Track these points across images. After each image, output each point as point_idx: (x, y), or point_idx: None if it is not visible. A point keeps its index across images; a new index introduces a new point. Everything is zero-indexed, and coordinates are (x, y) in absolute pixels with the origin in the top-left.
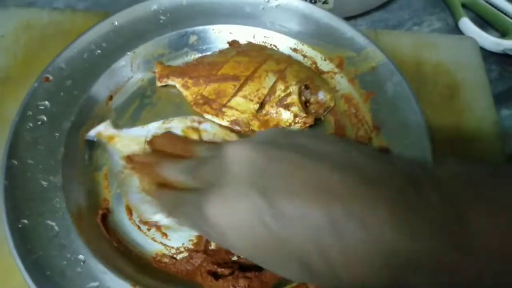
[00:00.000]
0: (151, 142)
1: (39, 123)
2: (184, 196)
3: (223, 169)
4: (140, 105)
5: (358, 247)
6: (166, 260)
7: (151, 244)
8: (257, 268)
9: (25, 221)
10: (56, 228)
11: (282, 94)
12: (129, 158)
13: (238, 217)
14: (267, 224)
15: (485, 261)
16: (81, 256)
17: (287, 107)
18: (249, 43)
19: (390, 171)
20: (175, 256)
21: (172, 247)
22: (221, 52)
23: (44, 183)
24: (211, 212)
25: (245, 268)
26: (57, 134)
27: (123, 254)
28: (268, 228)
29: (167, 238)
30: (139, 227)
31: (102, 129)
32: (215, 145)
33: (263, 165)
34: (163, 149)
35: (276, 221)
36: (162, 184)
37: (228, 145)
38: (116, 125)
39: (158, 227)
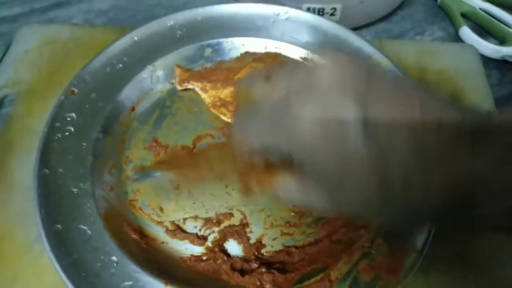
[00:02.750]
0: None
1: (67, 133)
2: (263, 106)
3: (313, 78)
4: (160, 114)
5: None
6: (193, 260)
7: (179, 245)
8: (280, 263)
9: (59, 226)
10: (89, 232)
11: None
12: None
13: (333, 121)
14: (358, 132)
15: None
16: (114, 258)
17: None
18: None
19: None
20: (202, 257)
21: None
22: (238, 58)
23: (75, 190)
24: (305, 112)
25: (267, 264)
26: (85, 144)
27: (153, 255)
28: (359, 137)
29: (193, 243)
30: (167, 229)
31: None
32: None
33: (357, 77)
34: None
35: (367, 131)
36: None
37: (316, 69)
38: None
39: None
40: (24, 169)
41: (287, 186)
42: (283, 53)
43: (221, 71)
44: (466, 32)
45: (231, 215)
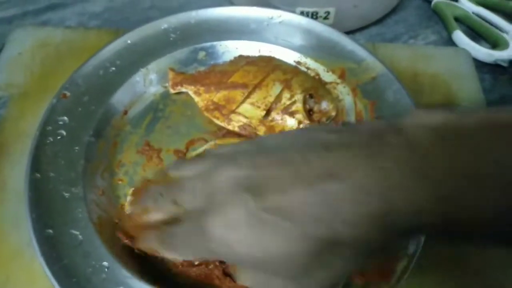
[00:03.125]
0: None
1: (59, 137)
2: (171, 229)
3: (210, 191)
4: (153, 118)
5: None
6: (185, 265)
7: None
8: None
9: (50, 230)
10: (80, 236)
11: (288, 102)
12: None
13: (238, 224)
14: (265, 219)
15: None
16: (105, 263)
17: (292, 114)
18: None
19: (354, 135)
20: (194, 262)
21: None
22: (232, 61)
23: (66, 195)
24: (213, 229)
25: None
26: (77, 148)
27: (145, 260)
28: (266, 223)
29: None
30: None
31: None
32: (178, 162)
33: (248, 177)
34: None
35: (271, 213)
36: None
37: (211, 171)
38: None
39: None
40: (17, 172)
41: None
42: (277, 56)
43: (215, 74)
44: (459, 36)
45: None
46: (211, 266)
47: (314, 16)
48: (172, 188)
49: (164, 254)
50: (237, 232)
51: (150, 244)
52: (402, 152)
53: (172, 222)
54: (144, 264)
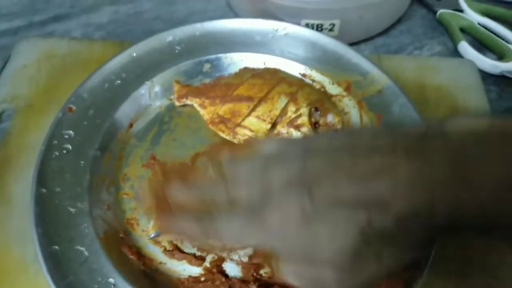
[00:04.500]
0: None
1: (65, 151)
2: (214, 215)
3: (267, 189)
4: (159, 130)
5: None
6: (191, 281)
7: (176, 265)
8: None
9: (56, 247)
10: (86, 253)
11: (293, 115)
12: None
13: (294, 218)
14: (318, 213)
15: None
16: (111, 280)
17: (297, 128)
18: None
19: (399, 138)
20: (200, 278)
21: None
22: (237, 74)
23: (72, 210)
24: (272, 221)
25: (266, 286)
26: (82, 162)
27: (151, 276)
28: (320, 217)
29: (191, 263)
30: (165, 249)
31: None
32: (233, 161)
33: (301, 177)
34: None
35: (324, 208)
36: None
37: (265, 171)
38: None
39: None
40: (22, 186)
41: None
42: (282, 68)
43: (220, 87)
44: (464, 47)
45: None
46: (217, 283)
47: (319, 28)
48: (228, 183)
49: (203, 239)
50: (292, 225)
51: (189, 228)
52: (447, 155)
53: (219, 211)
54: (150, 281)
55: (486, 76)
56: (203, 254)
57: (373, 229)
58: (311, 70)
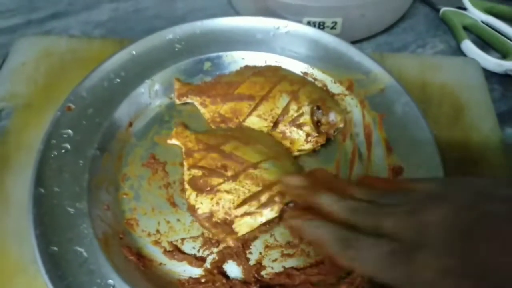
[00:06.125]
0: (309, 173)
1: (63, 151)
2: (358, 237)
3: (422, 227)
4: (159, 130)
5: None
6: (192, 283)
7: (177, 266)
8: (281, 286)
9: (55, 247)
10: (85, 254)
11: (295, 114)
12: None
13: (453, 271)
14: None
15: None
16: (110, 281)
17: (299, 126)
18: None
19: None
20: (200, 279)
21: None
22: (238, 72)
23: (71, 210)
24: (425, 265)
25: (268, 287)
26: (81, 161)
27: (150, 277)
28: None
29: (192, 264)
30: (165, 250)
31: None
32: (389, 193)
33: (462, 229)
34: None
35: (479, 268)
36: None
37: (426, 206)
38: None
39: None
40: (20, 185)
41: None
42: (283, 66)
43: (221, 85)
44: (468, 46)
45: None
46: (218, 284)
47: (321, 26)
48: (379, 211)
49: (334, 253)
50: (449, 279)
51: (326, 237)
52: None
53: (365, 233)
54: (150, 282)
55: (489, 75)
56: (204, 255)
57: None
58: (313, 68)
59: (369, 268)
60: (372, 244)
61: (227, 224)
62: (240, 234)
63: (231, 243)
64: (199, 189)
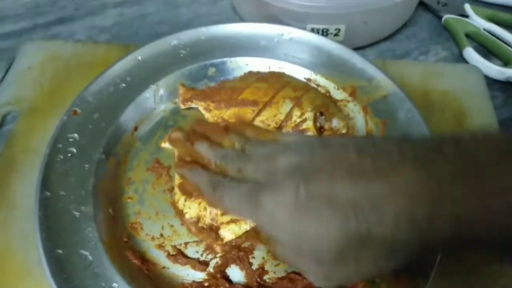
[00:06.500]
0: (191, 127)
1: (69, 155)
2: (224, 181)
3: (271, 171)
4: (164, 134)
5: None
6: (195, 287)
7: (180, 270)
8: None
9: (60, 251)
10: (90, 257)
11: (298, 120)
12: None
13: (286, 204)
14: (310, 204)
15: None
16: (115, 284)
17: (302, 132)
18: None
19: (413, 147)
20: (203, 283)
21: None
22: (242, 77)
23: (76, 214)
24: (266, 203)
25: None
26: (87, 165)
27: (154, 281)
28: (310, 207)
29: (195, 268)
30: (168, 254)
31: None
32: (255, 142)
33: (305, 165)
34: (204, 133)
35: (317, 199)
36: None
37: (280, 154)
38: None
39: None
40: (26, 188)
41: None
42: (287, 72)
43: (225, 91)
44: (470, 53)
45: None
46: None
47: (324, 33)
48: (242, 158)
49: (207, 196)
50: (283, 210)
51: (200, 182)
52: (457, 164)
53: (229, 178)
54: (154, 285)
55: (491, 82)
56: (207, 259)
57: (358, 230)
58: (316, 74)
59: (233, 209)
60: (234, 186)
61: (213, 230)
62: (225, 240)
63: (218, 249)
64: (188, 194)
